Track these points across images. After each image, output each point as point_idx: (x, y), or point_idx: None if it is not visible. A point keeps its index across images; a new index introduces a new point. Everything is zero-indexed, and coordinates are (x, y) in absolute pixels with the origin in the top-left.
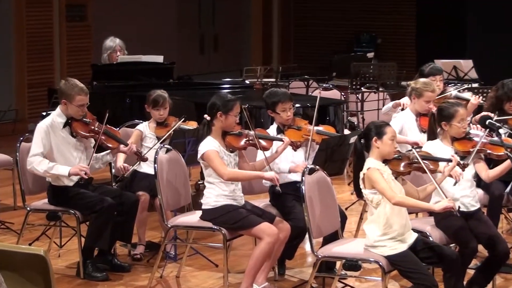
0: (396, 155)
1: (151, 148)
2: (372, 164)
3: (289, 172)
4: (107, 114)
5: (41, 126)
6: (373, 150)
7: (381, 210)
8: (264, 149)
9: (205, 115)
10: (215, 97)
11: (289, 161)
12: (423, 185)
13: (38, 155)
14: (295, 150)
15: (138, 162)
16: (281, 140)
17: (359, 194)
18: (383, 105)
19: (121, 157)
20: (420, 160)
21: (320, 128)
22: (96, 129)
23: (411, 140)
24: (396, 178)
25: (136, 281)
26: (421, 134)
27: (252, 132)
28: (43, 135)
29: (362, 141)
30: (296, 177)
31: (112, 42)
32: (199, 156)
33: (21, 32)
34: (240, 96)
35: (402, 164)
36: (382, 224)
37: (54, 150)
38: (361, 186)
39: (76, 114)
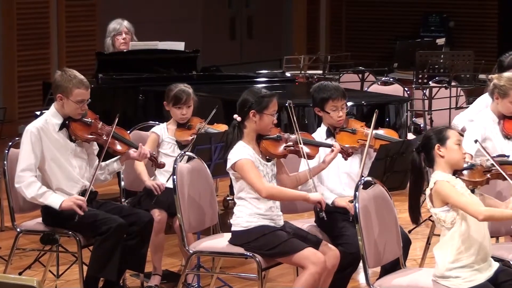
0: (466, 165)
1: (180, 154)
2: (440, 176)
3: (332, 204)
4: (117, 118)
5: (30, 130)
6: (438, 161)
7: (456, 230)
8: (309, 157)
9: (235, 115)
10: (246, 93)
11: (341, 171)
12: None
13: (29, 171)
14: (345, 159)
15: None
16: (329, 146)
17: (415, 219)
18: (456, 104)
19: (142, 169)
20: (497, 165)
21: (380, 131)
22: (100, 130)
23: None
24: (473, 191)
25: None
26: (505, 141)
27: (293, 136)
28: (34, 141)
29: (422, 154)
30: (348, 191)
31: (118, 24)
32: (229, 165)
33: (9, 13)
34: (279, 92)
35: (477, 173)
36: (456, 248)
37: (47, 158)
38: (429, 205)
39: (74, 113)
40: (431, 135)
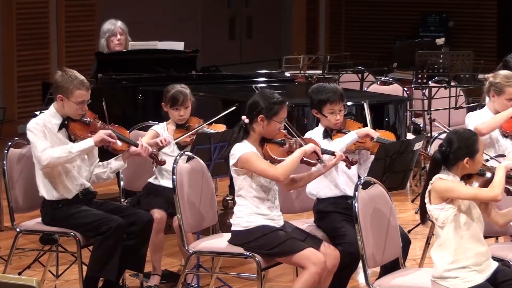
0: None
1: (180, 154)
2: (444, 175)
3: (357, 136)
4: (105, 106)
5: (34, 126)
6: (459, 168)
7: (449, 231)
8: (312, 164)
9: (243, 116)
10: (258, 96)
11: (339, 171)
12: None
13: (48, 148)
14: (349, 168)
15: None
16: (332, 153)
17: (423, 219)
18: (456, 103)
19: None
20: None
21: (376, 134)
22: (99, 129)
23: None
24: None
25: None
26: (503, 139)
27: (299, 141)
28: (40, 132)
29: (443, 150)
30: (347, 191)
31: (111, 24)
32: (232, 161)
33: (9, 14)
34: (278, 92)
35: (485, 180)
36: (453, 249)
37: None
38: (426, 201)
39: (74, 113)
40: (461, 146)
